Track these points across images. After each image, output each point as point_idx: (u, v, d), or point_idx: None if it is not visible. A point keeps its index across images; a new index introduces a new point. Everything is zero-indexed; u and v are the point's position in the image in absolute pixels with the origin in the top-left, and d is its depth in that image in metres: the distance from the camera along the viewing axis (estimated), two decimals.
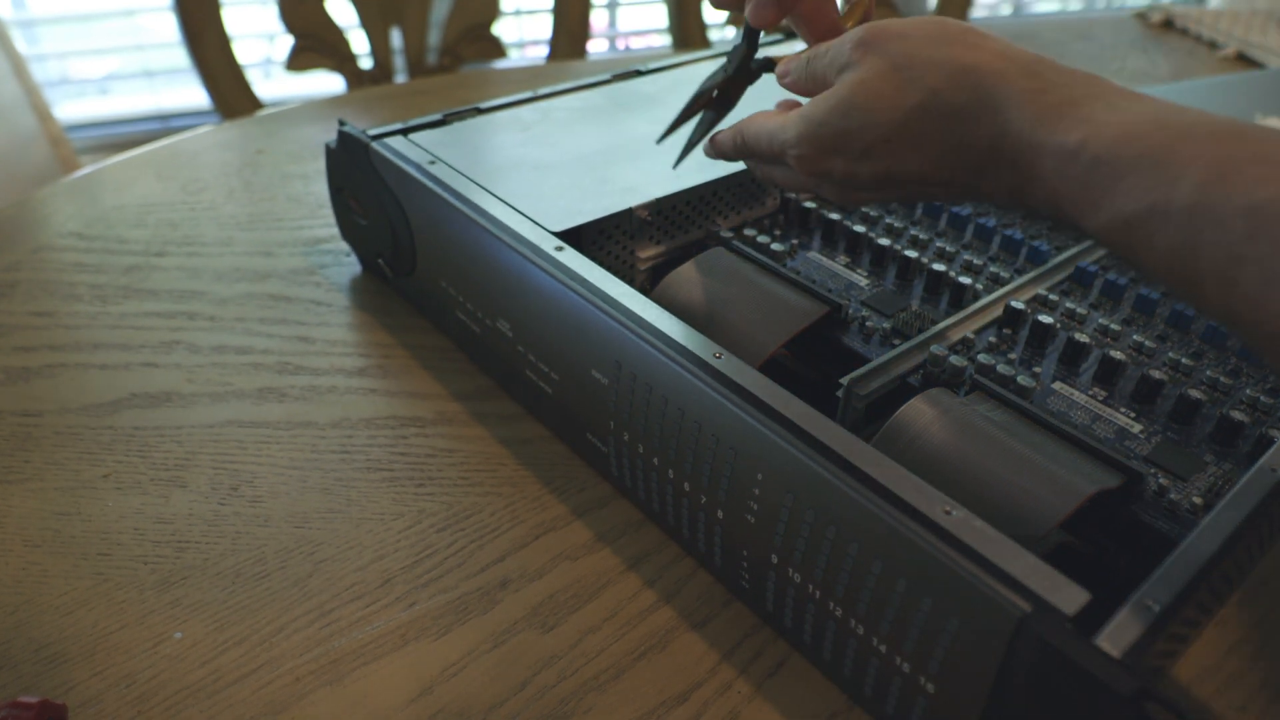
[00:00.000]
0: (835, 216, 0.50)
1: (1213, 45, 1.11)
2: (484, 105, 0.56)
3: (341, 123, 0.52)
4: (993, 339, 0.42)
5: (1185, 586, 0.28)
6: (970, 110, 0.31)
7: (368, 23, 1.05)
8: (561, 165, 0.50)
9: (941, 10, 1.33)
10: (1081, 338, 0.41)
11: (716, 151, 0.41)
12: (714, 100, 0.42)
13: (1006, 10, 2.23)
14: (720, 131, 0.41)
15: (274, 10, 1.00)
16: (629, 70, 0.63)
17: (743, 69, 0.41)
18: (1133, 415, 0.38)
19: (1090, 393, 0.39)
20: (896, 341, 0.41)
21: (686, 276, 0.43)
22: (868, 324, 0.43)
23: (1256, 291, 0.24)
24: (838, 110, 0.33)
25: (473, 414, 0.48)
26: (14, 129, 1.11)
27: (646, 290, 0.43)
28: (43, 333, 0.53)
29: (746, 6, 0.38)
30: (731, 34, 1.64)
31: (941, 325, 0.41)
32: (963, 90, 0.31)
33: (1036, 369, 0.41)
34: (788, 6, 0.37)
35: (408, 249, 0.51)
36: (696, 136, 0.43)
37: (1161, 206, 0.26)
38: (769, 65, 0.40)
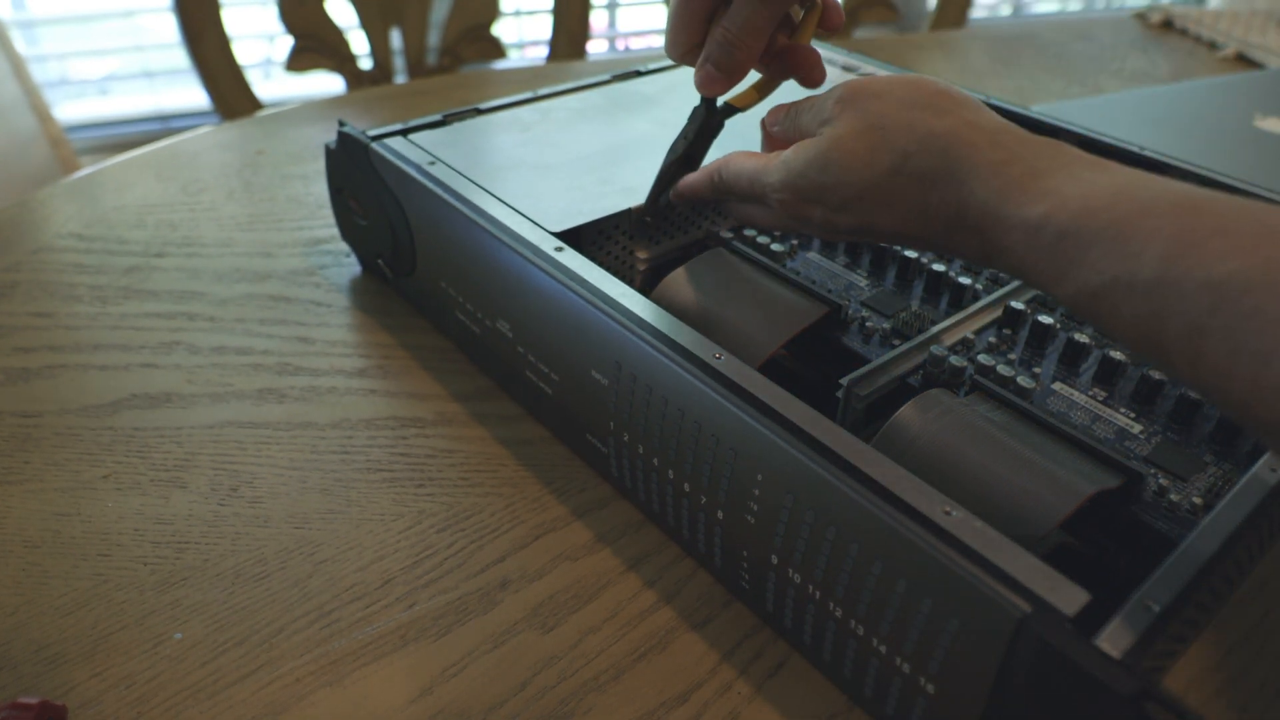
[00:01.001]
0: None
1: (1212, 45, 1.12)
2: (484, 106, 0.56)
3: (341, 123, 0.52)
4: (993, 339, 0.42)
5: (1185, 587, 0.28)
6: (938, 176, 0.31)
7: (368, 23, 1.05)
8: (561, 166, 0.50)
9: (941, 11, 1.33)
10: (1081, 338, 0.41)
11: (687, 194, 0.42)
12: (682, 160, 0.43)
13: (1006, 10, 2.23)
14: (688, 176, 0.42)
15: (274, 11, 1.00)
16: (629, 71, 0.63)
17: (704, 129, 0.42)
18: (1133, 415, 0.38)
19: (1090, 393, 0.39)
20: (896, 342, 0.42)
21: (686, 277, 0.43)
22: (868, 324, 0.43)
23: (1222, 363, 0.25)
24: (815, 163, 0.34)
25: (473, 415, 0.48)
26: (14, 129, 1.11)
27: (646, 290, 0.43)
28: (42, 333, 0.53)
29: (696, 74, 0.39)
30: None
31: (941, 325, 0.41)
32: (931, 155, 0.31)
33: (1036, 369, 0.41)
34: (737, 77, 0.38)
35: (407, 249, 0.51)
36: (666, 190, 0.44)
37: (1126, 280, 0.26)
38: (730, 111, 0.41)
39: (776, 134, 0.38)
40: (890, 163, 0.32)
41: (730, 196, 0.39)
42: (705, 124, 0.42)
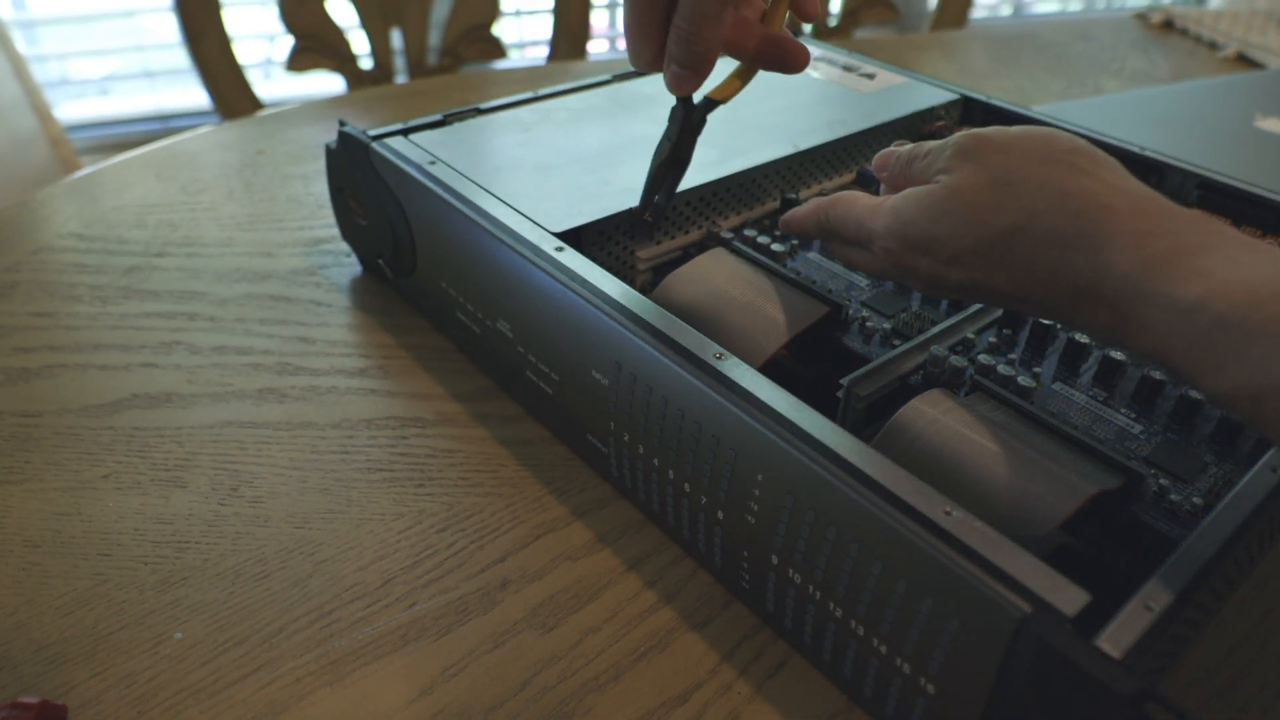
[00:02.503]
0: None
1: (1213, 45, 1.12)
2: (484, 106, 0.56)
3: (342, 123, 0.52)
4: (993, 339, 0.42)
5: (1185, 587, 0.28)
6: (1069, 240, 0.29)
7: (368, 23, 1.05)
8: (562, 165, 0.50)
9: (941, 11, 1.33)
10: (1081, 338, 0.41)
11: (794, 229, 0.40)
12: (670, 161, 0.42)
13: (1006, 10, 2.23)
14: (797, 209, 0.40)
15: (274, 11, 1.00)
16: (629, 71, 0.63)
17: (687, 127, 0.41)
18: (1133, 416, 0.38)
19: (1090, 393, 0.39)
20: (896, 342, 0.41)
21: (686, 276, 0.43)
22: (868, 324, 0.43)
23: None
24: (928, 214, 0.32)
25: (473, 415, 0.48)
26: (14, 129, 1.12)
27: (646, 290, 0.43)
28: (43, 333, 0.53)
29: (665, 78, 0.37)
30: None
31: (941, 325, 0.41)
32: (1063, 216, 0.29)
33: (1036, 369, 0.41)
34: (705, 70, 0.37)
35: (408, 249, 0.51)
36: (662, 194, 0.43)
37: None
38: (711, 105, 0.41)
39: (885, 180, 0.37)
40: (1013, 221, 0.30)
41: (834, 238, 0.38)
42: (686, 122, 0.41)
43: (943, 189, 0.32)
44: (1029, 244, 0.30)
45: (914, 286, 0.35)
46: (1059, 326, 0.42)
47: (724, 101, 0.40)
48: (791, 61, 0.38)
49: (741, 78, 0.40)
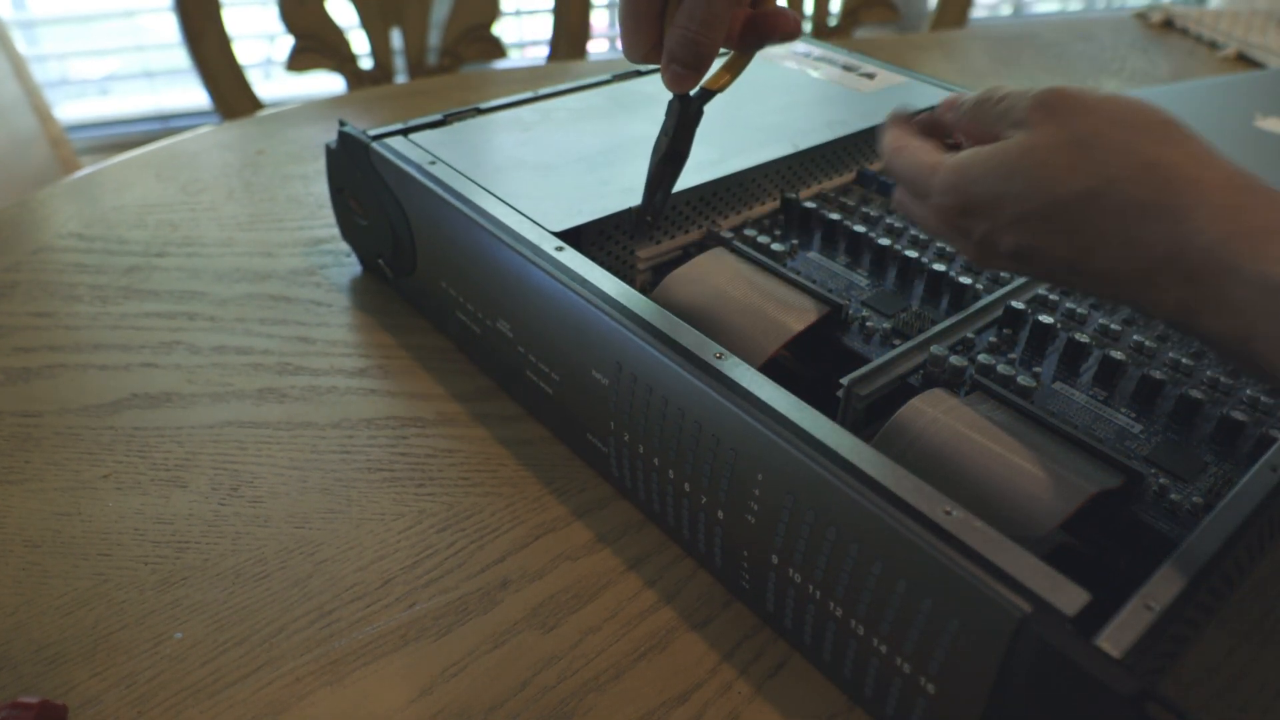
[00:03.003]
0: (836, 217, 0.50)
1: (1213, 45, 1.12)
2: (484, 105, 0.56)
3: (342, 123, 0.52)
4: (993, 339, 0.42)
5: (1185, 587, 0.28)
6: (1149, 209, 0.27)
7: (368, 23, 1.05)
8: (561, 165, 0.50)
9: (941, 11, 1.33)
10: (1082, 338, 0.41)
11: (880, 153, 0.38)
12: (668, 157, 0.42)
13: (1006, 10, 2.23)
14: (885, 134, 0.37)
15: (274, 10, 1.00)
16: (629, 70, 0.63)
17: (684, 121, 0.41)
18: (1133, 415, 0.38)
19: (1090, 393, 0.39)
20: (896, 342, 0.41)
21: (686, 276, 0.43)
22: (868, 324, 0.43)
23: None
24: (998, 171, 0.30)
25: (473, 414, 0.48)
26: (14, 129, 1.12)
27: (646, 290, 0.43)
28: (43, 333, 0.53)
29: (663, 75, 0.37)
30: None
31: (941, 325, 0.41)
32: (1146, 186, 0.27)
33: (1036, 369, 0.41)
34: (705, 69, 0.36)
35: (408, 249, 0.51)
36: (662, 191, 0.43)
37: None
38: (707, 96, 0.40)
39: (950, 121, 0.35)
40: (1089, 186, 0.28)
41: (897, 181, 0.36)
42: (684, 115, 0.41)
43: (1016, 146, 0.30)
44: (1103, 211, 0.28)
45: (962, 250, 0.33)
46: (1059, 326, 0.42)
47: (720, 91, 0.40)
48: (793, 28, 0.38)
49: (734, 68, 0.40)
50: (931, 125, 0.37)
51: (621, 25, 0.37)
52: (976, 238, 0.32)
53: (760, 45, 0.39)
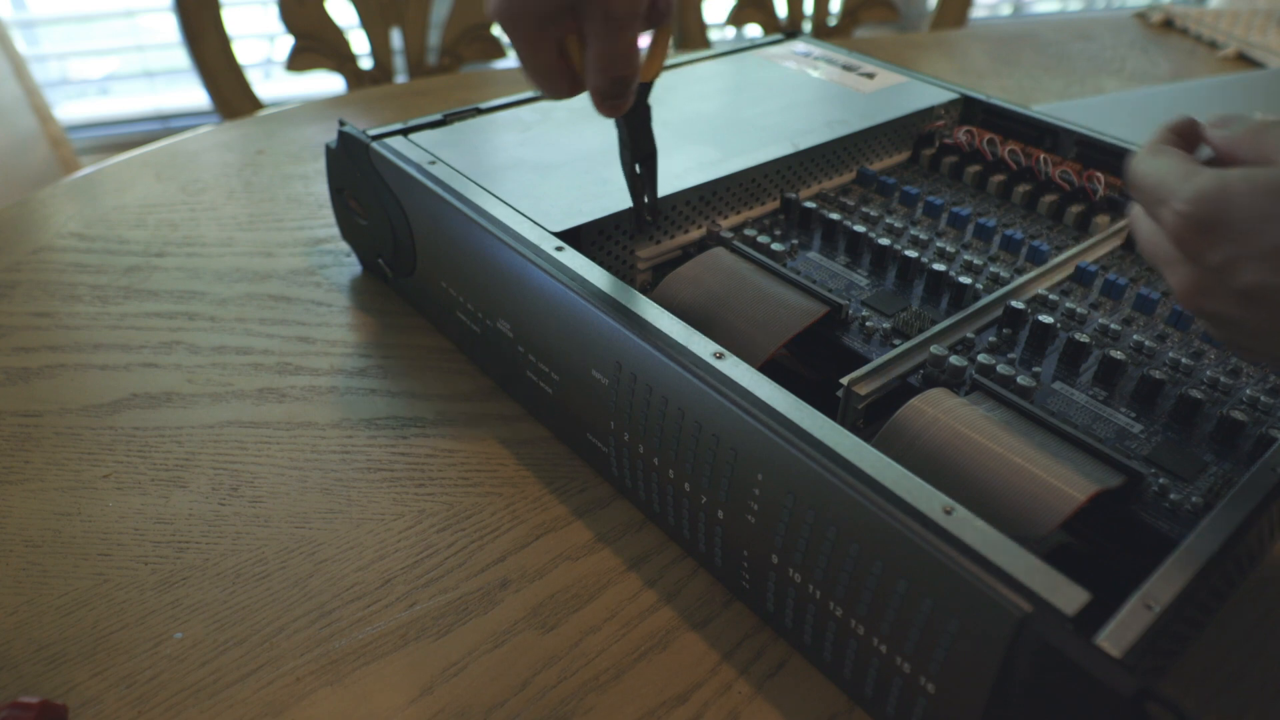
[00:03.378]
0: (835, 217, 0.50)
1: (1213, 45, 1.12)
2: (484, 105, 0.56)
3: (342, 123, 0.52)
4: (993, 339, 0.42)
5: (1185, 587, 0.28)
6: None
7: (368, 23, 1.05)
8: (561, 165, 0.50)
9: (941, 11, 1.33)
10: (1081, 338, 0.41)
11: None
12: (637, 158, 0.43)
13: (1006, 10, 2.23)
14: (1151, 139, 0.33)
15: (274, 10, 1.00)
16: None
17: (635, 123, 0.42)
18: (1133, 415, 0.38)
19: (1090, 393, 0.39)
20: (896, 341, 0.41)
21: (687, 276, 0.43)
22: (868, 324, 0.43)
23: None
24: (1269, 195, 0.26)
25: (473, 414, 0.48)
26: (14, 129, 1.12)
27: (646, 290, 0.43)
28: (43, 333, 0.53)
29: (599, 109, 0.38)
30: (732, 34, 1.64)
31: (941, 325, 0.41)
32: None
33: (1036, 369, 0.41)
34: (632, 90, 0.37)
35: (408, 249, 0.51)
36: (649, 190, 0.44)
37: None
38: (646, 90, 0.41)
39: (1219, 139, 0.31)
40: None
41: (1133, 189, 0.31)
42: (633, 119, 0.42)
43: None
44: None
45: (1179, 280, 0.29)
46: (1059, 326, 0.42)
47: (654, 80, 0.40)
48: None
49: (657, 53, 0.40)
50: (1190, 136, 0.32)
51: (536, 79, 0.37)
52: (1213, 263, 0.28)
53: (667, 16, 0.38)
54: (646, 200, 0.43)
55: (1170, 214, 0.29)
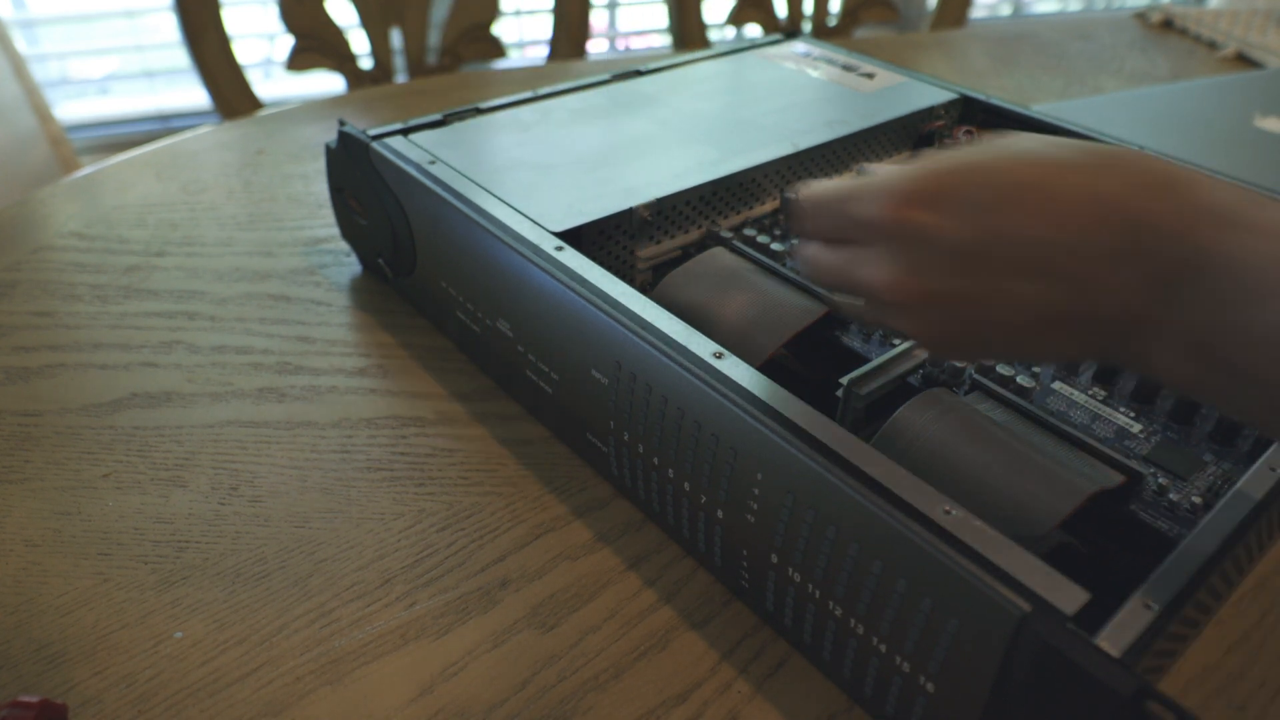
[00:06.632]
0: None
1: (1212, 45, 1.11)
2: (484, 105, 0.56)
3: (342, 123, 0.52)
4: None
5: (1185, 586, 0.28)
6: (1152, 185, 0.26)
7: (368, 23, 1.05)
8: (561, 165, 0.50)
9: (941, 11, 1.33)
10: None
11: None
12: None
13: (1006, 10, 2.23)
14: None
15: (274, 10, 1.00)
16: (629, 70, 0.63)
17: None
18: (1132, 415, 0.38)
19: (1090, 392, 0.39)
20: (896, 341, 0.42)
21: (686, 276, 0.43)
22: None
23: None
24: (982, 159, 0.27)
25: (473, 414, 0.48)
26: (14, 129, 1.11)
27: (646, 290, 0.43)
28: (43, 333, 0.53)
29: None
30: (732, 34, 1.64)
31: None
32: (1141, 171, 0.26)
33: (1036, 369, 0.41)
34: None
35: (408, 249, 0.51)
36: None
37: None
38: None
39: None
40: (1079, 164, 0.26)
41: (811, 214, 0.31)
42: None
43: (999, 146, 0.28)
44: (1087, 180, 0.26)
45: (882, 271, 0.29)
46: None
47: None
48: None
49: None
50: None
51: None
52: (929, 231, 0.27)
53: None
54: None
55: (867, 204, 0.28)
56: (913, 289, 0.28)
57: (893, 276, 0.28)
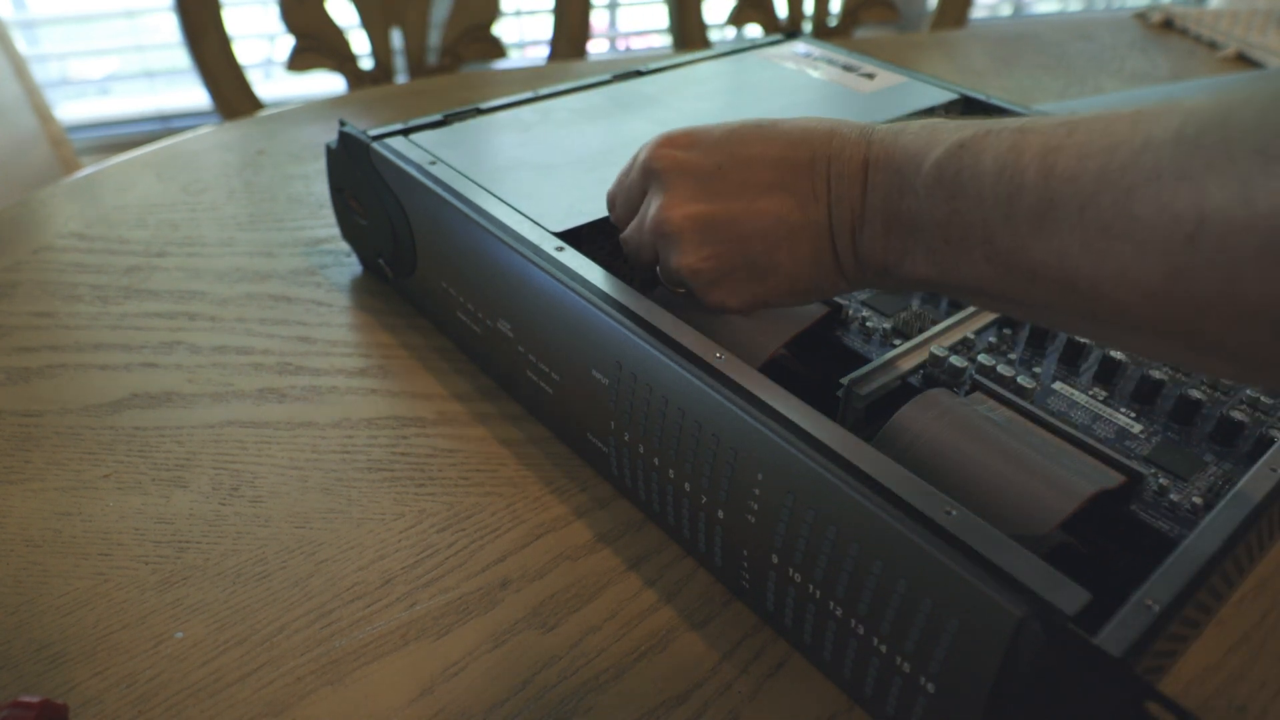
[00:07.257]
0: None
1: (1213, 45, 1.11)
2: (484, 105, 0.56)
3: (342, 123, 0.52)
4: (993, 339, 0.42)
5: (1185, 586, 0.28)
6: (846, 122, 0.34)
7: (368, 23, 1.05)
8: (562, 165, 0.50)
9: (941, 11, 1.33)
10: (1082, 339, 0.41)
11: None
12: None
13: (1006, 10, 2.23)
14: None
15: (274, 10, 1.00)
16: (629, 70, 0.63)
17: None
18: (1133, 415, 0.38)
19: (1090, 393, 0.39)
20: (897, 341, 0.42)
21: None
22: (868, 324, 0.43)
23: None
24: (724, 123, 0.36)
25: (473, 414, 0.48)
26: (14, 129, 1.12)
27: (647, 290, 0.43)
28: (43, 333, 0.53)
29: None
30: (732, 34, 1.64)
31: (941, 325, 0.41)
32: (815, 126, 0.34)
33: (1036, 369, 0.41)
34: None
35: (408, 249, 0.51)
36: None
37: (993, 127, 0.28)
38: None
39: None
40: (796, 118, 0.35)
41: (621, 200, 0.40)
42: None
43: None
44: (793, 127, 0.35)
45: (665, 205, 0.35)
46: None
47: None
48: None
49: None
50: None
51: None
52: (679, 163, 0.35)
53: None
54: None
55: (645, 150, 0.36)
56: (678, 212, 0.35)
57: (663, 205, 0.35)
